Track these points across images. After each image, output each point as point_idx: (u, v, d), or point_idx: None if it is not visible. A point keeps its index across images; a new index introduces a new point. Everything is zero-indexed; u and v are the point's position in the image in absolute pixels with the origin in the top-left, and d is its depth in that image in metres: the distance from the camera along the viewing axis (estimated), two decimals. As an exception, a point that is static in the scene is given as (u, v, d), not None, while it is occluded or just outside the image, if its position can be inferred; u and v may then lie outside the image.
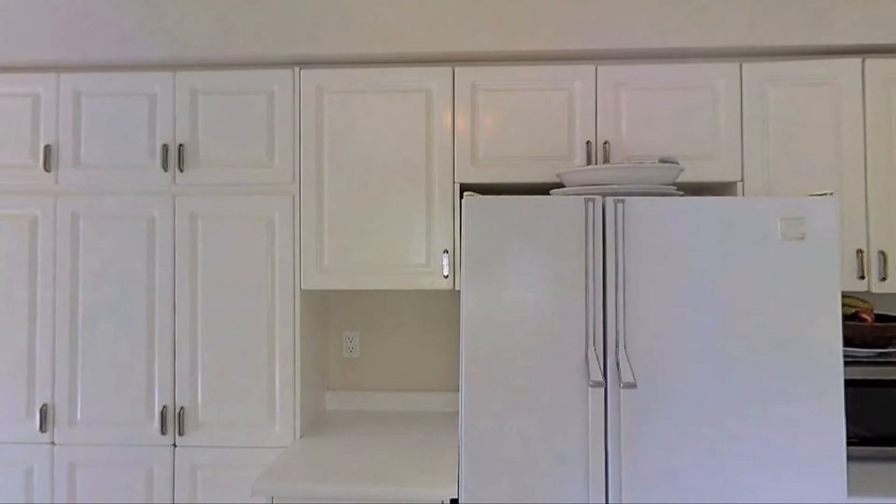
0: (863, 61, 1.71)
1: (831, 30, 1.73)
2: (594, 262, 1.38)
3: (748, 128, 1.73)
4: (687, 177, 1.74)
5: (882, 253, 1.68)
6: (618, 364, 1.35)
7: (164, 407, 1.79)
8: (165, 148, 1.81)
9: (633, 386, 1.28)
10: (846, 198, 1.70)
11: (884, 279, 1.68)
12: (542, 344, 1.38)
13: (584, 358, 1.37)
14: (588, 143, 1.75)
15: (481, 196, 1.41)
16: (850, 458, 1.59)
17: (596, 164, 1.75)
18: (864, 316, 1.68)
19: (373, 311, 2.17)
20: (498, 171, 1.77)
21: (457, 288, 1.76)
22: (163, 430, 1.78)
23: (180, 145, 1.81)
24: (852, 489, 1.42)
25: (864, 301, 1.72)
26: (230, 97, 1.81)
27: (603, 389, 1.37)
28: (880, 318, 1.74)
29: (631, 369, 1.32)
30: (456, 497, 1.42)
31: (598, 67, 1.76)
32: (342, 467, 1.56)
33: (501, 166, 1.77)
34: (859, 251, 1.68)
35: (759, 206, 1.36)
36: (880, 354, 1.63)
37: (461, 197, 1.82)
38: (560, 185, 1.77)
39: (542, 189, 1.83)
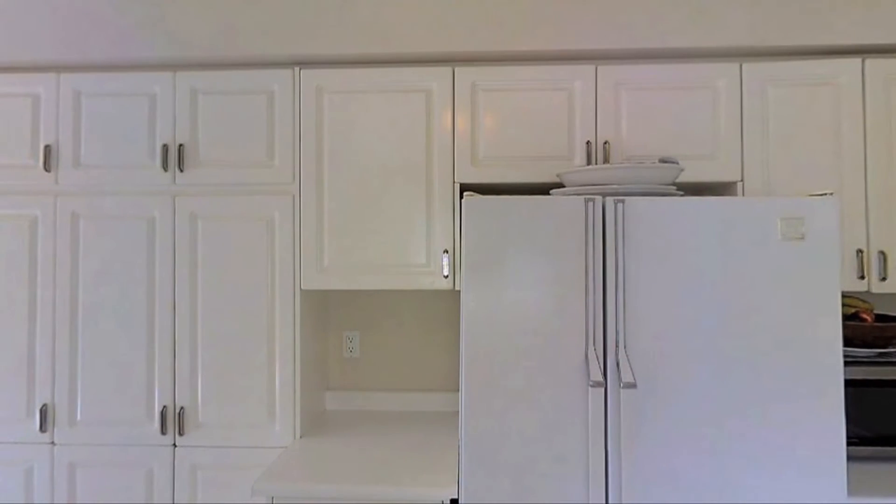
0: (863, 61, 1.71)
1: (831, 30, 1.73)
2: (594, 262, 1.38)
3: (748, 128, 1.73)
4: (687, 177, 1.74)
5: (882, 253, 1.68)
6: (618, 364, 1.35)
7: (164, 407, 1.79)
8: (165, 148, 1.81)
9: (633, 386, 1.28)
10: (846, 198, 1.70)
11: (884, 279, 1.68)
12: (542, 344, 1.38)
13: (584, 358, 1.37)
14: (588, 143, 1.75)
15: (481, 196, 1.41)
16: (850, 458, 1.59)
17: (596, 164, 1.75)
18: (864, 316, 1.68)
19: (373, 311, 2.17)
20: (498, 171, 1.77)
21: (457, 288, 1.76)
22: (163, 430, 1.78)
23: (180, 145, 1.81)
24: (852, 489, 1.42)
25: (864, 301, 1.72)
26: (230, 97, 1.81)
27: (603, 389, 1.37)
28: (880, 318, 1.74)
29: (631, 369, 1.32)
30: (456, 497, 1.42)
31: (598, 67, 1.76)
32: (342, 467, 1.56)
33: (501, 166, 1.77)
34: (859, 251, 1.68)
35: (759, 206, 1.36)
36: (880, 354, 1.63)
37: (461, 197, 1.82)
38: (560, 185, 1.77)
39: (542, 189, 1.83)
